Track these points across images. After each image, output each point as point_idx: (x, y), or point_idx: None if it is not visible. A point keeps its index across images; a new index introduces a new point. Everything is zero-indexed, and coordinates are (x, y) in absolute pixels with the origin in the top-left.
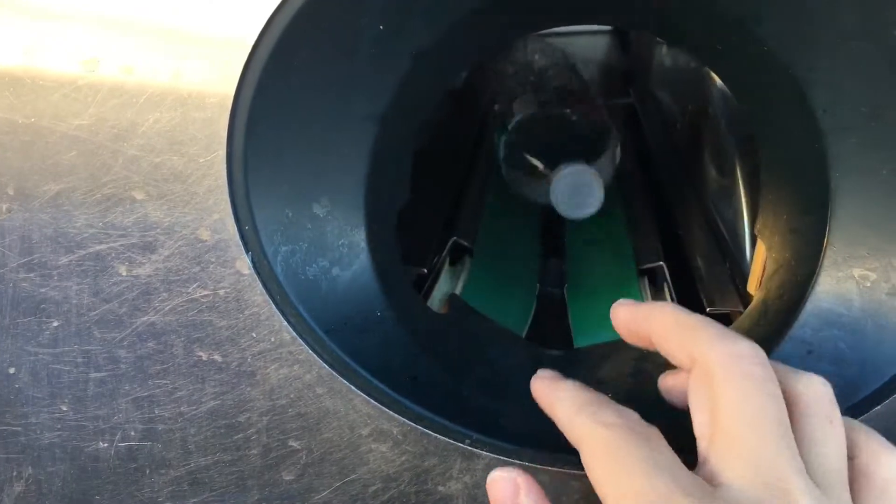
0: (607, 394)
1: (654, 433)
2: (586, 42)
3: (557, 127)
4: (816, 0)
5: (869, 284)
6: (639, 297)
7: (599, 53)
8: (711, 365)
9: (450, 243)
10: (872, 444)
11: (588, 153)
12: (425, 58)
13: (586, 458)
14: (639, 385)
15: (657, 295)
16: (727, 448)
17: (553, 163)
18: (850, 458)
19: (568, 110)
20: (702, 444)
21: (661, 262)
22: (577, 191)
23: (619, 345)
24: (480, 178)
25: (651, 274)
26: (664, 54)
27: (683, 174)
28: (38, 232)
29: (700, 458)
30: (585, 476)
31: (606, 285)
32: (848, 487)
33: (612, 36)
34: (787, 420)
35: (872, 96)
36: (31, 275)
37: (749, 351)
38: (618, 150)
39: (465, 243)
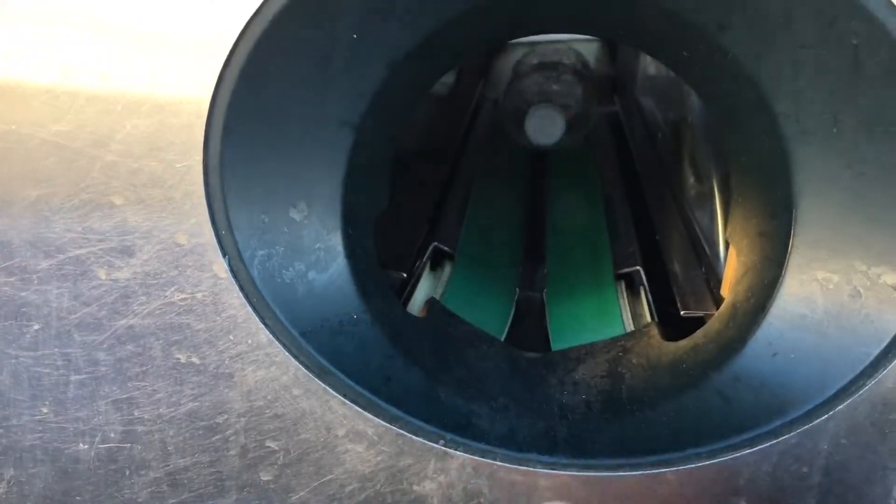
0: (581, 396)
1: None
2: (573, 49)
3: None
4: (777, 9)
5: (832, 287)
6: (615, 301)
7: (590, 61)
8: None
9: (431, 248)
10: None
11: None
12: (400, 66)
13: None
14: (613, 385)
15: (634, 298)
16: None
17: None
18: None
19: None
20: None
21: (638, 267)
22: (544, 122)
23: (593, 347)
24: (463, 184)
25: (628, 278)
26: (649, 64)
27: (664, 181)
28: (18, 237)
29: None
30: (555, 475)
31: (585, 289)
32: None
33: (601, 45)
34: None
35: (833, 103)
36: (12, 279)
37: None
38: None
39: (446, 248)
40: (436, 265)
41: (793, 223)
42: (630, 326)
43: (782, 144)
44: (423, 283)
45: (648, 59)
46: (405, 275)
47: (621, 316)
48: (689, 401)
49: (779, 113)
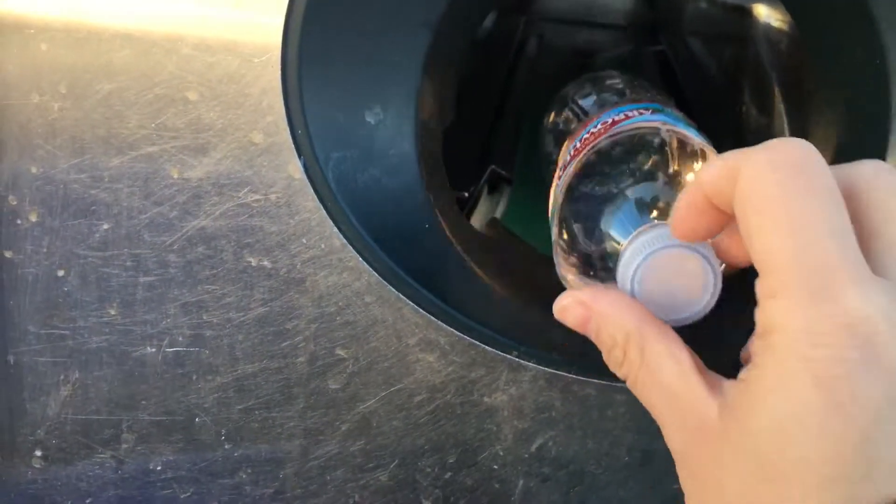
0: None
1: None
2: None
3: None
4: None
5: None
6: None
7: (627, 4)
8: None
9: (488, 171)
10: None
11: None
12: None
13: (746, 197)
14: None
15: None
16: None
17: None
18: None
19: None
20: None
21: None
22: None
23: None
24: (513, 115)
25: None
26: (699, 1)
27: (720, 115)
28: (90, 132)
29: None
30: (628, 390)
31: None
32: None
33: None
34: None
35: None
36: (82, 176)
37: None
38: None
39: (504, 172)
40: (493, 188)
41: (889, 136)
42: None
43: (880, 54)
44: (481, 205)
45: None
46: (466, 194)
47: None
48: None
49: (879, 18)
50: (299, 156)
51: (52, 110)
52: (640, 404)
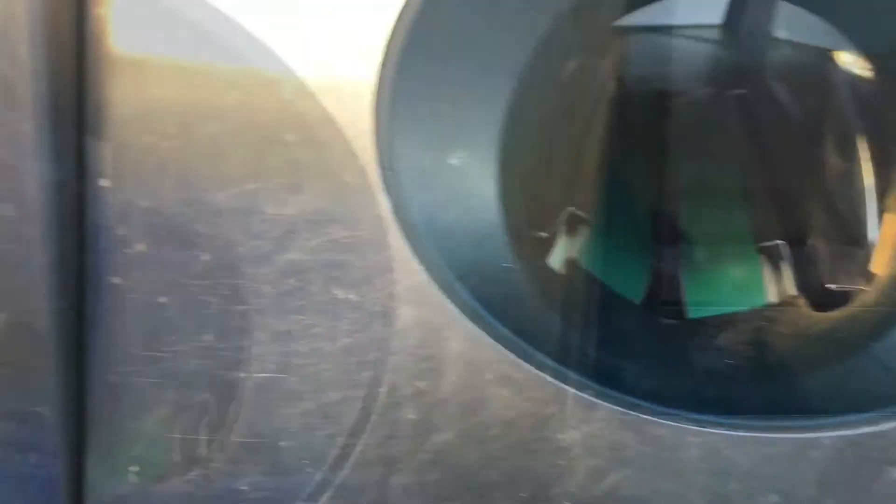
0: (726, 361)
1: None
2: (695, 35)
3: None
4: None
5: None
6: (758, 274)
7: (709, 47)
8: None
9: (567, 212)
10: None
11: None
12: (565, 19)
13: None
14: (759, 353)
15: (776, 273)
16: None
17: None
18: None
19: None
20: None
21: (781, 241)
22: None
23: (734, 317)
24: (599, 151)
25: (769, 252)
26: (782, 46)
27: (801, 160)
28: (196, 170)
29: None
30: (704, 433)
31: (725, 263)
32: None
33: (722, 31)
34: None
35: None
36: (187, 210)
37: None
38: None
39: (582, 214)
40: (571, 229)
41: None
42: (773, 299)
43: None
44: (560, 245)
45: (781, 39)
46: (545, 234)
47: (763, 289)
48: (846, 370)
49: None
50: (388, 196)
51: (162, 149)
52: (714, 447)
